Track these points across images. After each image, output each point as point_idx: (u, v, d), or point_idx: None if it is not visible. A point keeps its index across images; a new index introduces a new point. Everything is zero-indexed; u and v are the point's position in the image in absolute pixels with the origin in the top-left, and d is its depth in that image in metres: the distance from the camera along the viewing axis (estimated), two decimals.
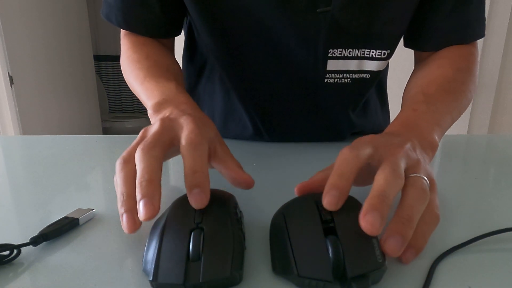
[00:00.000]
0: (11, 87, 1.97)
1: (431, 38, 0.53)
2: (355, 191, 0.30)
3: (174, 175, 0.47)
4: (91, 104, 2.94)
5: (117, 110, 3.49)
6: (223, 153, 0.34)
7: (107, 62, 3.34)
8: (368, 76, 0.54)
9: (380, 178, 0.28)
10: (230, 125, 0.61)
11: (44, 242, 0.30)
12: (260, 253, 0.29)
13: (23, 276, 0.27)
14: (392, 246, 0.25)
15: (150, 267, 0.25)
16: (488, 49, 1.81)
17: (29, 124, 2.12)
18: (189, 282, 0.24)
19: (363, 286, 0.24)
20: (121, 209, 0.28)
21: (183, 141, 0.31)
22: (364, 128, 0.63)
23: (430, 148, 0.37)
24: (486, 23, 0.57)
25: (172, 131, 0.32)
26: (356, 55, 0.51)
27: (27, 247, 0.29)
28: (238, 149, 0.55)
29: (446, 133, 0.45)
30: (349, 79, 0.53)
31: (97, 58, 3.23)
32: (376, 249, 0.25)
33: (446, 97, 0.44)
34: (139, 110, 3.45)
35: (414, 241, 0.27)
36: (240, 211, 0.32)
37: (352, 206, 0.28)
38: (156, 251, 0.25)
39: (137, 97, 0.48)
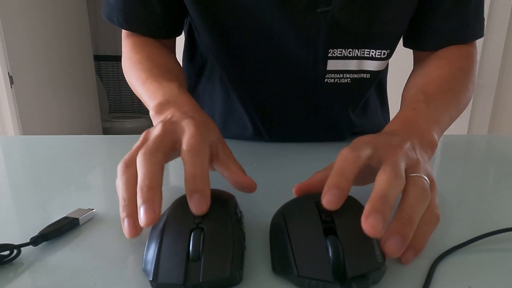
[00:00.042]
0: (11, 87, 1.97)
1: (431, 38, 0.53)
2: (355, 191, 0.30)
3: (175, 176, 0.47)
4: (91, 104, 2.94)
5: (117, 110, 3.49)
6: (225, 156, 0.34)
7: (107, 62, 3.34)
8: (368, 76, 0.54)
9: (381, 179, 0.27)
10: (230, 125, 0.61)
11: (44, 242, 0.30)
12: (260, 253, 0.29)
13: (23, 276, 0.27)
14: (392, 247, 0.25)
15: (150, 267, 0.25)
16: (488, 49, 1.81)
17: (29, 124, 2.12)
18: (189, 282, 0.24)
19: (363, 286, 0.24)
20: (122, 214, 0.28)
21: (184, 146, 0.31)
22: (364, 128, 0.63)
23: (429, 147, 0.37)
24: (486, 23, 0.57)
25: (173, 134, 0.32)
26: (356, 55, 0.51)
27: (27, 247, 0.29)
28: (238, 149, 0.55)
29: (446, 133, 0.45)
30: (349, 79, 0.53)
31: (97, 58, 3.23)
32: (376, 249, 0.25)
33: (445, 97, 0.44)
34: (139, 110, 3.45)
35: (414, 241, 0.27)
36: (240, 211, 0.32)
37: (352, 206, 0.28)
38: (156, 251, 0.25)
39: (137, 97, 0.47)
